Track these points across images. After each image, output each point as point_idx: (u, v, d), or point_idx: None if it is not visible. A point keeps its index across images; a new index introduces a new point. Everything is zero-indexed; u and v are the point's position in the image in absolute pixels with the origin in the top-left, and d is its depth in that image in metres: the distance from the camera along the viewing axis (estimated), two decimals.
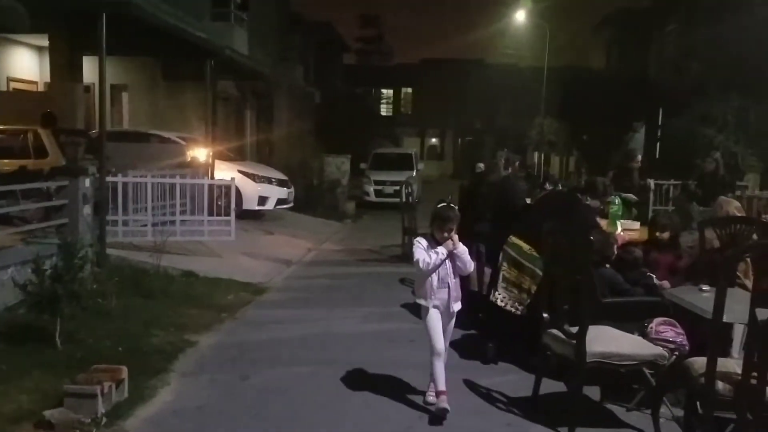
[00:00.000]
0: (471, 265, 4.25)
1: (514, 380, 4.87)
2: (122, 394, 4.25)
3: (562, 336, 4.06)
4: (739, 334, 5.05)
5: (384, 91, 42.63)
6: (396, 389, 4.70)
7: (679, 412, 4.18)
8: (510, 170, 6.31)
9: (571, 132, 28.20)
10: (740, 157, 12.73)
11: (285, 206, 13.74)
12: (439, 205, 4.34)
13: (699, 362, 3.58)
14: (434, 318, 4.22)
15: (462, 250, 4.18)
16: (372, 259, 10.34)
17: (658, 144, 18.66)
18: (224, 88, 15.21)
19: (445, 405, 4.10)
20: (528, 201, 6.48)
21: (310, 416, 4.25)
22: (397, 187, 18.53)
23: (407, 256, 9.87)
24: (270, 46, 19.15)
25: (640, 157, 9.05)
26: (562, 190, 5.49)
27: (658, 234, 5.27)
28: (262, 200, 12.89)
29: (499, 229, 5.80)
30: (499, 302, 5.06)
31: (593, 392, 4.51)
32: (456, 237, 4.18)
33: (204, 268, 8.35)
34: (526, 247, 5.02)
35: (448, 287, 4.21)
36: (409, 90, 44.98)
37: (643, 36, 23.95)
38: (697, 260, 5.30)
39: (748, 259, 5.28)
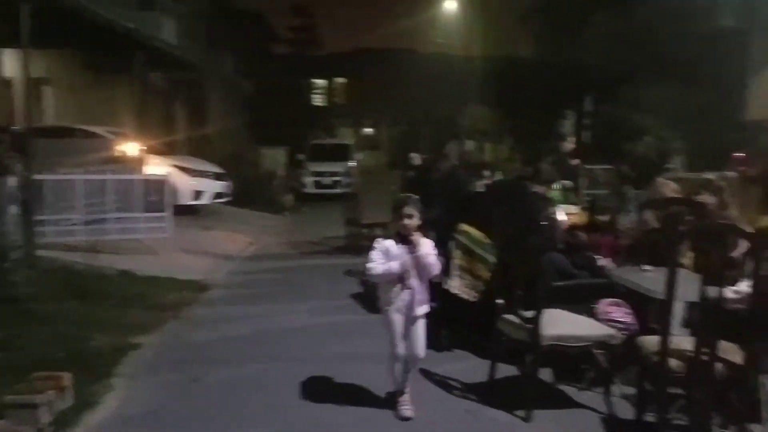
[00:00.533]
0: (435, 268, 3.99)
1: (469, 366, 4.90)
2: (66, 402, 4.04)
3: (518, 321, 4.10)
4: (678, 311, 5.26)
5: (317, 81, 42.19)
6: (354, 383, 4.66)
7: (630, 390, 4.32)
8: (460, 161, 6.34)
9: (503, 120, 28.72)
10: (667, 141, 13.22)
11: (222, 200, 13.45)
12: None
13: (650, 341, 3.69)
14: (394, 322, 4.02)
15: (425, 252, 3.90)
16: (315, 252, 10.23)
17: (588, 130, 19.20)
18: (154, 80, 14.69)
19: (406, 412, 4.05)
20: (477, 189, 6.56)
21: (265, 416, 4.15)
22: (336, 178, 18.55)
23: (351, 248, 9.86)
24: (199, 37, 18.64)
25: (571, 140, 9.22)
26: (511, 178, 5.55)
27: (599, 216, 5.39)
28: (198, 194, 12.57)
29: (449, 217, 5.85)
30: (453, 290, 5.07)
31: (546, 374, 4.59)
32: (418, 236, 3.92)
33: (141, 266, 8.07)
34: (477, 234, 5.05)
35: (411, 289, 3.96)
36: (343, 80, 44.70)
37: (571, 24, 24.51)
38: (637, 241, 5.46)
39: (686, 240, 5.53)
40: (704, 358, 3.28)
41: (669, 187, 5.75)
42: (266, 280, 8.24)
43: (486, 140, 29.79)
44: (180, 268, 8.47)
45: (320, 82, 42.57)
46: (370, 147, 42.46)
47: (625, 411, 4.07)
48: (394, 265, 3.88)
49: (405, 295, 3.96)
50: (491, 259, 4.95)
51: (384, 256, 3.93)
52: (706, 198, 6.24)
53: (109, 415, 4.11)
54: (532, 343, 3.94)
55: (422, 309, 4.03)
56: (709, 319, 3.28)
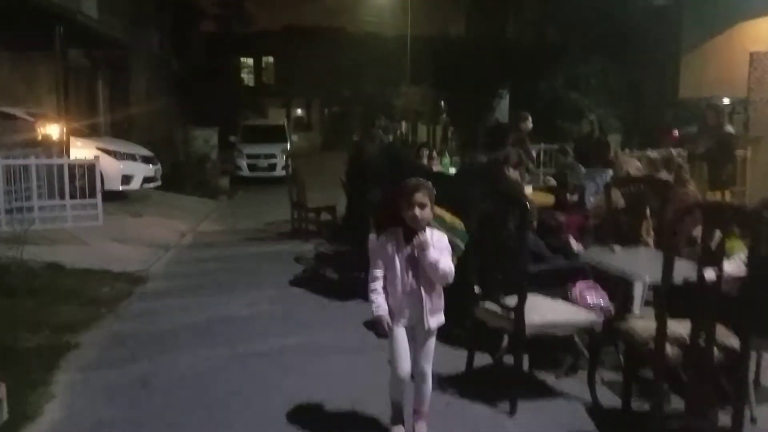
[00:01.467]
0: (449, 273, 3.27)
1: (438, 355, 4.65)
2: (1, 416, 3.57)
3: (498, 309, 3.89)
4: (639, 291, 5.20)
5: (244, 60, 40.97)
6: (320, 377, 4.37)
7: (610, 376, 4.21)
8: (391, 137, 6.07)
9: (437, 100, 28.67)
10: (603, 119, 13.37)
11: (152, 185, 12.73)
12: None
13: (641, 326, 3.54)
14: (398, 339, 3.33)
15: (431, 260, 3.21)
16: (259, 238, 9.77)
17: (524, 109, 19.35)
18: (75, 58, 13.72)
19: None
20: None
21: (225, 416, 3.81)
22: (272, 161, 17.99)
23: (298, 232, 9.47)
24: (122, 12, 17.57)
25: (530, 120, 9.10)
26: (484, 161, 5.32)
27: (568, 195, 5.25)
28: (126, 179, 11.84)
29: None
30: None
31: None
32: (424, 238, 3.22)
33: (71, 258, 7.46)
34: (448, 217, 4.80)
35: (420, 298, 3.30)
36: (271, 59, 43.62)
37: (501, 2, 24.60)
38: (604, 220, 5.36)
39: (650, 218, 5.47)
40: (701, 343, 3.15)
41: (633, 165, 5.68)
42: (209, 270, 7.75)
43: (420, 120, 29.72)
44: (113, 259, 7.89)
45: (249, 60, 41.41)
46: (303, 128, 41.77)
47: (608, 398, 3.95)
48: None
49: (411, 307, 3.31)
50: (460, 243, 4.73)
51: (384, 262, 3.29)
52: (664, 175, 6.23)
53: (53, 429, 3.67)
54: (515, 332, 3.74)
55: (435, 321, 3.37)
56: (705, 303, 3.13)
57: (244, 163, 18.01)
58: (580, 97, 13.53)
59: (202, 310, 5.99)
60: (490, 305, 3.97)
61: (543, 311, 3.83)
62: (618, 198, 5.35)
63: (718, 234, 3.18)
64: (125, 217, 10.57)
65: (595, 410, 3.83)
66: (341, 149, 31.86)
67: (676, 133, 12.07)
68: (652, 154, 10.22)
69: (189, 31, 26.66)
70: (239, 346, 5.00)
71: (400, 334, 3.35)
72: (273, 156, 18.02)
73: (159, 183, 12.73)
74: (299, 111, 43.94)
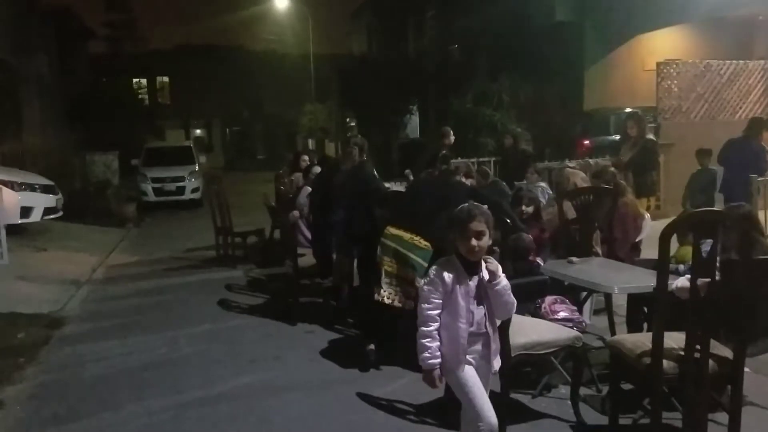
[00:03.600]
0: (513, 306, 3.02)
1: (409, 383, 4.45)
2: None
3: None
4: (588, 300, 5.21)
5: (140, 80, 39.28)
6: (284, 422, 4.03)
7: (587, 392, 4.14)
8: (364, 157, 5.85)
9: (344, 117, 28.59)
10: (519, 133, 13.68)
11: (53, 216, 11.77)
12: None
13: (630, 340, 3.48)
14: (470, 377, 2.90)
15: (504, 284, 2.91)
16: (181, 267, 9.15)
17: (434, 124, 19.60)
18: None
19: None
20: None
21: None
22: (180, 184, 17.14)
23: (225, 258, 8.97)
24: (3, 33, 16.31)
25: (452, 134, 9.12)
26: (439, 175, 5.16)
27: (524, 208, 5.19)
28: (26, 211, 10.82)
29: (357, 218, 5.38)
30: (386, 300, 4.59)
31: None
32: (494, 263, 2.93)
33: None
34: (407, 236, 4.62)
35: (488, 337, 2.95)
36: (166, 79, 42.11)
37: (400, 22, 24.92)
38: (558, 233, 5.35)
39: (598, 229, 5.51)
40: (696, 355, 3.10)
41: (578, 177, 5.72)
42: (132, 307, 7.13)
43: (327, 138, 29.52)
44: (21, 299, 7.16)
45: (143, 81, 39.76)
46: (204, 149, 40.48)
47: (589, 414, 3.86)
48: (460, 335, 2.86)
49: (477, 345, 2.94)
50: (422, 261, 4.56)
51: (442, 296, 2.88)
52: (582, 184, 6.34)
53: None
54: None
55: (498, 362, 3.06)
56: (700, 315, 3.09)
57: (149, 187, 17.03)
58: (493, 112, 13.76)
59: (135, 354, 5.47)
60: None
61: (526, 331, 3.69)
62: (569, 209, 5.37)
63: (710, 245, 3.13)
64: (28, 253, 9.69)
65: (581, 428, 3.73)
66: (245, 169, 31.30)
67: (587, 142, 12.51)
68: (570, 164, 10.57)
69: (79, 53, 25.22)
70: (186, 393, 4.56)
71: (473, 377, 2.91)
72: (181, 179, 17.18)
73: (61, 213, 11.79)
74: (198, 131, 42.61)
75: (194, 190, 17.30)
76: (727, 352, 3.19)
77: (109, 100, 23.78)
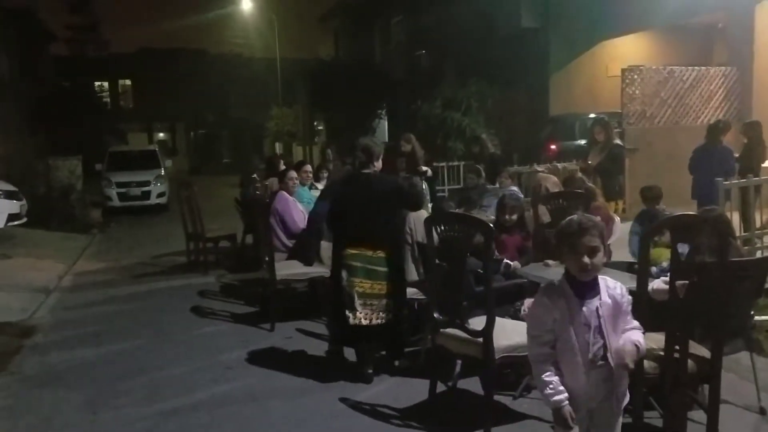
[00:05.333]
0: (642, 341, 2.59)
1: (390, 387, 4.48)
2: None
3: (463, 335, 3.76)
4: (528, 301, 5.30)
5: (102, 83, 38.58)
6: (262, 429, 4.02)
7: None
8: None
9: (312, 121, 28.52)
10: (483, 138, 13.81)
11: (17, 222, 11.52)
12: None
13: None
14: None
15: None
16: (151, 273, 9.01)
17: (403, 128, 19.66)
18: None
19: None
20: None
21: None
22: (145, 188, 16.90)
23: (198, 264, 8.87)
24: None
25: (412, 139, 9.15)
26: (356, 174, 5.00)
27: (507, 216, 5.26)
28: None
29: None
30: (363, 322, 4.57)
31: (470, 385, 4.32)
32: (616, 285, 2.61)
33: None
34: (368, 252, 4.61)
35: (610, 373, 2.55)
36: (128, 82, 41.49)
37: (368, 26, 24.97)
38: (533, 236, 5.43)
39: None
40: (676, 355, 3.20)
41: (550, 181, 5.82)
42: (103, 315, 7.00)
43: (295, 142, 29.41)
44: None
45: (105, 84, 39.08)
46: (168, 153, 39.93)
47: None
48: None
49: (598, 384, 2.56)
50: (384, 269, 4.61)
51: (551, 325, 2.55)
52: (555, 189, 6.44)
53: None
54: (485, 357, 3.63)
55: (625, 398, 2.68)
56: (680, 315, 3.19)
57: (113, 192, 16.74)
58: (462, 117, 13.87)
59: (109, 363, 5.38)
60: (453, 331, 3.84)
61: (508, 334, 3.75)
62: (544, 214, 5.46)
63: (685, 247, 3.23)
64: None
65: None
66: (210, 173, 30.96)
67: (553, 147, 12.70)
68: (539, 168, 10.73)
69: (40, 56, 24.67)
70: (164, 402, 4.50)
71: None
72: (146, 183, 16.95)
73: (25, 220, 11.54)
74: (161, 135, 42.04)
75: (160, 195, 17.09)
76: (704, 352, 3.29)
77: (72, 104, 23.33)
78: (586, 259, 2.49)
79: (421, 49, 19.34)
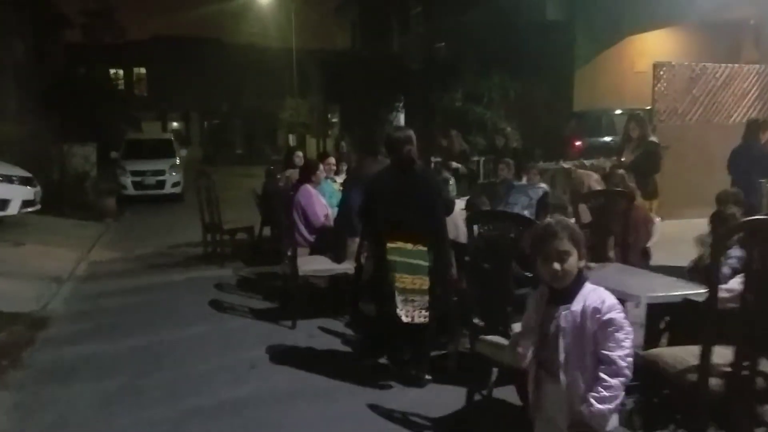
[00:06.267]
0: (623, 367, 2.35)
1: (421, 395, 4.25)
2: None
3: (507, 342, 3.51)
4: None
5: (117, 71, 38.48)
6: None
7: None
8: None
9: (326, 113, 28.29)
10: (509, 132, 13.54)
11: (31, 209, 11.34)
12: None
13: (668, 354, 3.30)
14: None
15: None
16: (167, 265, 8.79)
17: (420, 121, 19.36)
18: None
19: None
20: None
21: None
22: (160, 177, 16.73)
23: (214, 256, 8.66)
24: None
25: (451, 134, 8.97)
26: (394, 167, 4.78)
27: (550, 216, 4.99)
28: (3, 204, 10.45)
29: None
30: (404, 319, 4.33)
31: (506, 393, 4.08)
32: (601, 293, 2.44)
33: None
34: (409, 245, 4.39)
35: (564, 384, 2.43)
36: (143, 70, 41.39)
37: (385, 17, 24.67)
38: None
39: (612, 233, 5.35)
40: (745, 372, 2.94)
41: (593, 179, 5.55)
42: (118, 306, 6.81)
43: (308, 133, 29.19)
44: (0, 296, 6.80)
45: (120, 72, 38.98)
46: (181, 142, 39.75)
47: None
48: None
49: (552, 393, 2.49)
50: (425, 263, 4.38)
51: (532, 323, 2.57)
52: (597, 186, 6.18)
53: None
54: None
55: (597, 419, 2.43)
56: (749, 329, 2.93)
57: (128, 180, 16.58)
58: (483, 110, 13.59)
59: (126, 358, 5.17)
60: (494, 338, 3.59)
61: None
62: (584, 213, 5.20)
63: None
64: (5, 247, 9.27)
65: None
66: (223, 163, 30.78)
67: (578, 143, 12.41)
68: (565, 164, 10.46)
69: (55, 41, 24.52)
70: (185, 401, 4.29)
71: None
72: (161, 172, 16.78)
73: (39, 207, 11.37)
74: (175, 124, 41.92)
75: (175, 185, 16.92)
76: None
77: (86, 90, 23.17)
78: (556, 266, 2.39)
79: (440, 40, 19.03)
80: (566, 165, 10.08)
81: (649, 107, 14.30)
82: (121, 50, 37.76)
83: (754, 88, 10.66)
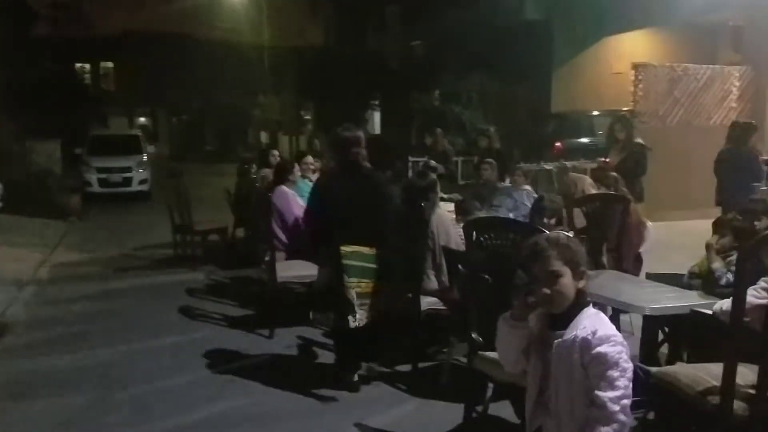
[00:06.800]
0: (614, 411, 2.11)
1: (412, 412, 3.98)
2: None
3: None
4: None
5: (83, 66, 37.53)
6: None
7: None
8: None
9: (299, 110, 27.89)
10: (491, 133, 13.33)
11: None
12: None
13: (684, 374, 3.07)
14: None
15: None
16: (135, 268, 8.37)
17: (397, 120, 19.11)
18: None
19: None
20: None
21: None
22: (127, 174, 16.18)
23: (185, 259, 8.27)
24: None
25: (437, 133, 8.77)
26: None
27: (546, 220, 4.76)
28: None
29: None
30: (361, 323, 4.22)
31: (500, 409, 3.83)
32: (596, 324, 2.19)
33: None
34: (365, 249, 4.26)
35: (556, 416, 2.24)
36: (110, 64, 40.45)
37: (360, 14, 24.33)
38: None
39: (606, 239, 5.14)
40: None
41: (586, 182, 5.34)
42: (84, 313, 6.38)
43: (281, 131, 28.74)
44: None
45: (86, 66, 38.00)
46: (149, 138, 38.86)
47: None
48: None
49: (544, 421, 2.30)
50: (375, 266, 4.28)
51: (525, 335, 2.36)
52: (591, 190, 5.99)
53: None
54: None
55: None
56: None
57: (94, 177, 15.96)
58: (462, 110, 13.38)
59: (92, 372, 4.80)
60: (494, 355, 3.33)
61: None
62: (579, 218, 4.98)
63: None
64: None
65: None
66: (192, 160, 30.13)
67: (559, 144, 12.27)
68: (547, 166, 10.28)
69: (21, 34, 23.70)
70: (157, 422, 3.96)
71: None
72: (128, 169, 16.23)
73: (2, 205, 10.84)
74: (143, 120, 41.00)
75: (142, 182, 16.39)
76: None
77: (52, 85, 22.45)
78: (546, 290, 2.15)
79: (417, 38, 18.80)
80: (548, 166, 9.91)
81: (626, 108, 14.29)
82: (89, 44, 36.79)
83: (735, 90, 10.62)
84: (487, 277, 3.37)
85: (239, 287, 7.13)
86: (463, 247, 4.71)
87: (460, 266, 4.02)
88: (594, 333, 2.09)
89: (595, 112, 13.57)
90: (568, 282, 2.16)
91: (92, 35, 37.13)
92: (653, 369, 3.29)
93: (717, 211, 8.92)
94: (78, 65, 36.78)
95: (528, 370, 2.34)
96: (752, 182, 7.13)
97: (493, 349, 3.34)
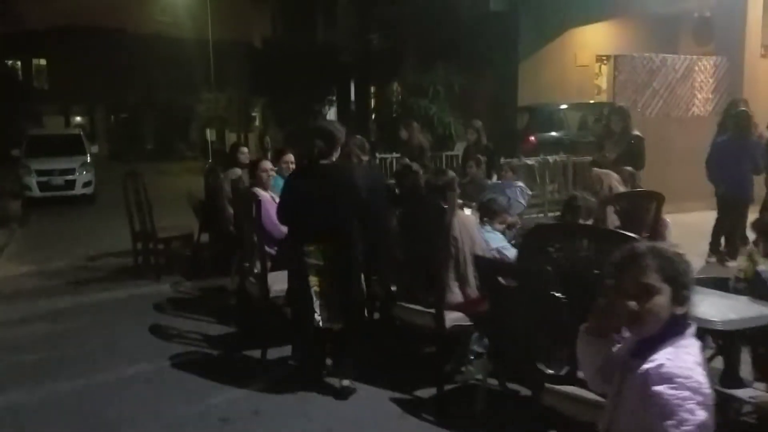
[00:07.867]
0: None
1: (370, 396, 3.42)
2: None
3: (592, 397, 2.72)
4: None
5: (12, 62, 35.47)
6: None
7: None
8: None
9: (246, 106, 26.94)
10: (452, 126, 12.87)
11: None
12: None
13: None
14: None
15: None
16: (91, 280, 7.44)
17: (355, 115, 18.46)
18: None
19: None
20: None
21: None
22: (70, 177, 15.04)
23: (146, 269, 7.46)
24: None
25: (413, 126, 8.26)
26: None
27: (582, 220, 4.25)
28: None
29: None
30: (323, 324, 4.08)
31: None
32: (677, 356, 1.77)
33: None
34: (322, 246, 4.10)
35: None
36: (43, 61, 38.41)
37: (309, 6, 23.53)
38: None
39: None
40: None
41: (613, 179, 4.87)
42: (37, 337, 5.52)
43: (227, 128, 27.68)
44: None
45: (18, 63, 35.94)
46: (86, 137, 36.95)
47: None
48: None
49: None
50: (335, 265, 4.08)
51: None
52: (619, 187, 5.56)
53: None
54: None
55: None
56: None
57: (33, 181, 14.73)
58: (429, 104, 12.83)
59: (53, 412, 4.05)
60: (572, 390, 2.80)
61: None
62: (612, 217, 4.51)
63: None
64: None
65: None
66: (132, 160, 28.75)
67: (532, 138, 11.90)
68: (529, 161, 9.89)
69: None
70: None
71: None
72: (71, 171, 15.09)
73: None
74: (79, 118, 39.06)
75: (86, 184, 15.28)
76: None
77: None
78: (632, 304, 1.76)
79: (375, 30, 18.19)
80: (530, 162, 9.52)
81: (592, 101, 14.08)
82: (20, 40, 34.75)
83: (711, 80, 10.45)
84: (561, 296, 2.80)
85: (212, 300, 6.43)
86: (488, 254, 4.22)
87: (501, 279, 3.45)
88: (660, 366, 1.72)
89: (563, 105, 13.29)
90: (663, 303, 1.76)
91: (22, 30, 35.12)
92: (749, 393, 2.82)
93: (696, 204, 8.75)
94: (9, 62, 34.70)
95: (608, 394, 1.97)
96: (755, 173, 6.89)
97: (566, 382, 2.84)
